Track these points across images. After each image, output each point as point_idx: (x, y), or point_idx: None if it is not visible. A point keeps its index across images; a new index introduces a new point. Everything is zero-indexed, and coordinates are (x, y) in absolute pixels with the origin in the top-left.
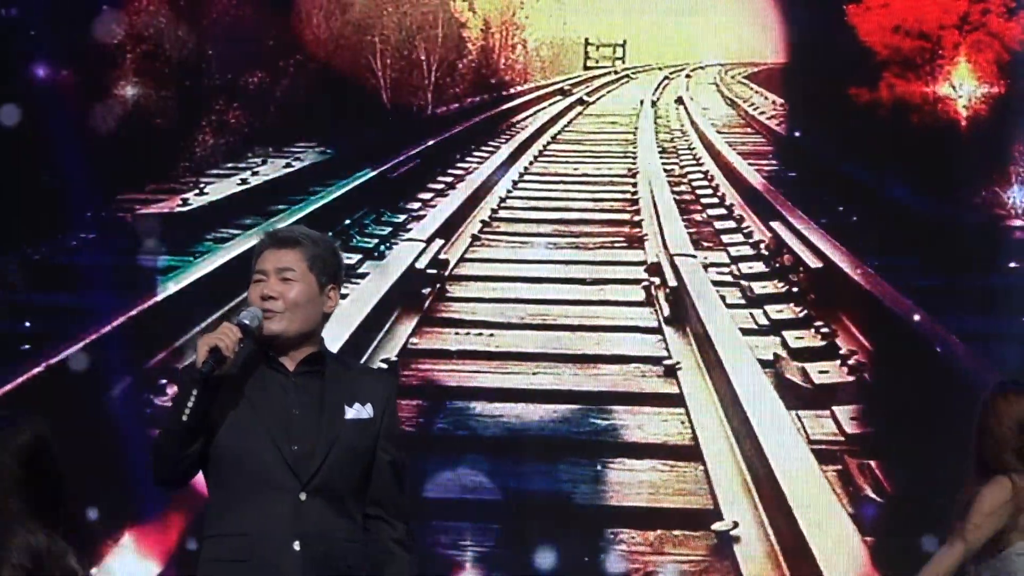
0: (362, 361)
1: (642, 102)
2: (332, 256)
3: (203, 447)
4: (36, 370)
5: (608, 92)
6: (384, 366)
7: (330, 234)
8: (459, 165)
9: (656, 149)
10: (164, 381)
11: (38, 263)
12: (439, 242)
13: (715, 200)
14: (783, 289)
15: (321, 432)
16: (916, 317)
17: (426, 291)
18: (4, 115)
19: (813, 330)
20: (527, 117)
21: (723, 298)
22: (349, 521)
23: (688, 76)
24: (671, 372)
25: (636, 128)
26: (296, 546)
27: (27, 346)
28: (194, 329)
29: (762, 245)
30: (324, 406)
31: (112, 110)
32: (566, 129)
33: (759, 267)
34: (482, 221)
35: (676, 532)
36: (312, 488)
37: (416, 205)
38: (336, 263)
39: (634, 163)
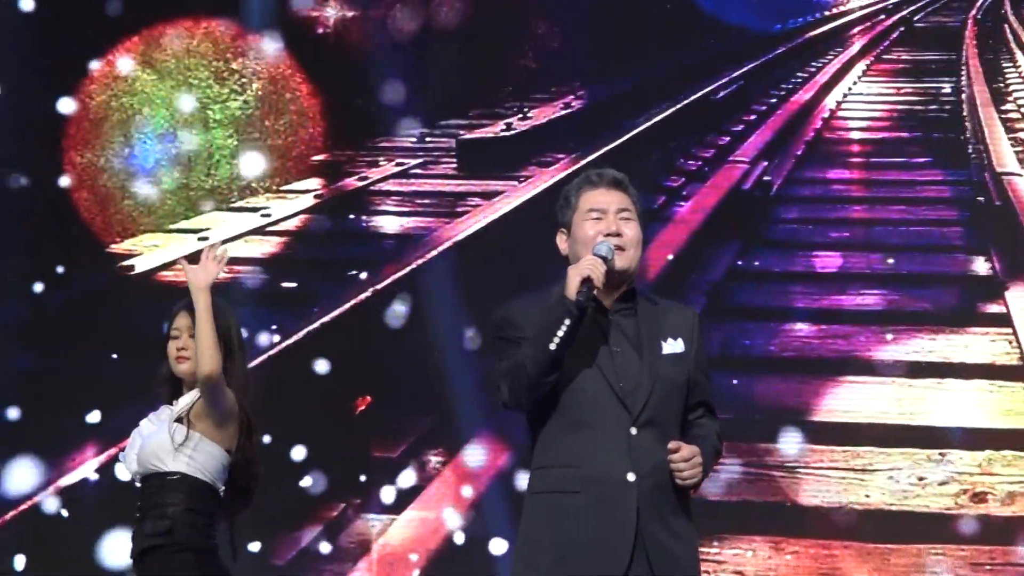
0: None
1: (966, 21)
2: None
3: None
4: (363, 295)
5: (932, 11)
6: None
7: None
8: (782, 86)
9: (980, 69)
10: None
11: (362, 190)
12: (763, 164)
13: None
14: None
15: (644, 368)
16: None
17: (751, 213)
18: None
19: None
20: (851, 37)
21: None
22: None
23: None
24: (998, 292)
25: (960, 47)
26: (630, 477)
27: (354, 271)
28: (517, 255)
29: None
30: (642, 343)
31: (433, 34)
32: (890, 49)
33: None
34: (806, 142)
35: (1006, 452)
36: (641, 422)
37: (739, 127)
38: None
39: (957, 82)
